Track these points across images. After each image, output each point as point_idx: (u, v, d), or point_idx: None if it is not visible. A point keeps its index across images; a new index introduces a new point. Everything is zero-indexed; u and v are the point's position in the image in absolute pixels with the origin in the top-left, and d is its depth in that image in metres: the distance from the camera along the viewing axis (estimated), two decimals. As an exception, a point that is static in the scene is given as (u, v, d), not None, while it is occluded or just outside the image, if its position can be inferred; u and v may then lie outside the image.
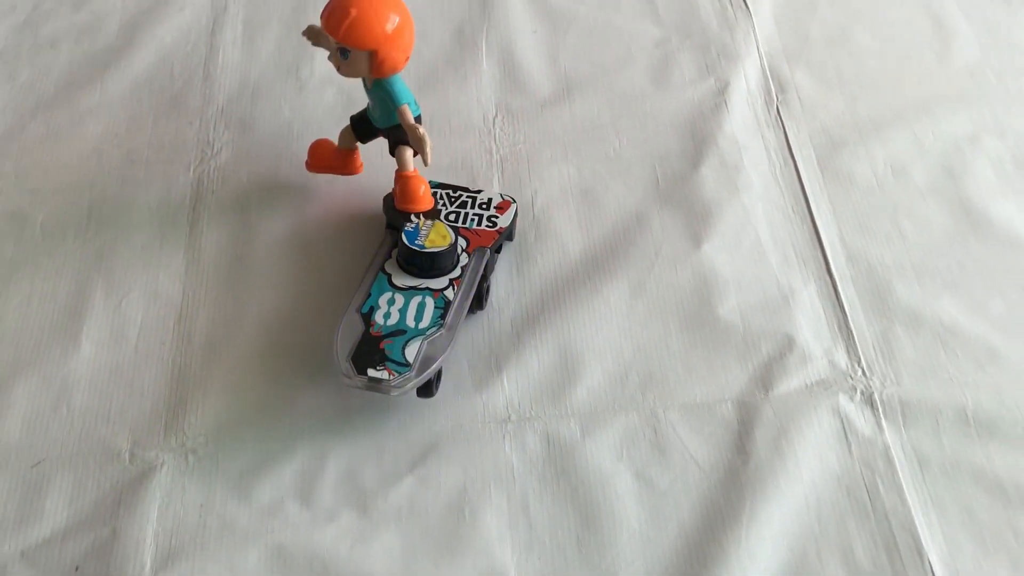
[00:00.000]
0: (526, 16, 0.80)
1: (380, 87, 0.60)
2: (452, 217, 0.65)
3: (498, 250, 0.65)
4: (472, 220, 0.64)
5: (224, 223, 0.66)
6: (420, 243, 0.61)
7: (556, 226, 0.66)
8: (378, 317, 0.58)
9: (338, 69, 0.59)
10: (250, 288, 0.63)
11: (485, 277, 0.62)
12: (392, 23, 0.57)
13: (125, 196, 0.68)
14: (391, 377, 0.55)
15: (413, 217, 0.62)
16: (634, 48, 0.78)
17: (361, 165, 0.67)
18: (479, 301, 0.62)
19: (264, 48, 0.77)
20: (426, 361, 0.56)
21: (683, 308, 0.62)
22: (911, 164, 0.69)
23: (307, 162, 0.67)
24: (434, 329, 0.58)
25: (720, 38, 0.78)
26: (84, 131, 0.72)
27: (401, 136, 0.62)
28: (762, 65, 0.76)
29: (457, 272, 0.61)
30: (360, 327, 0.58)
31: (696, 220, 0.66)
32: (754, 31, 0.78)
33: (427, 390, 0.57)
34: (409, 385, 0.56)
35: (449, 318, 0.59)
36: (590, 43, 0.78)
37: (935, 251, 0.65)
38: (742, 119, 0.72)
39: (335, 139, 0.66)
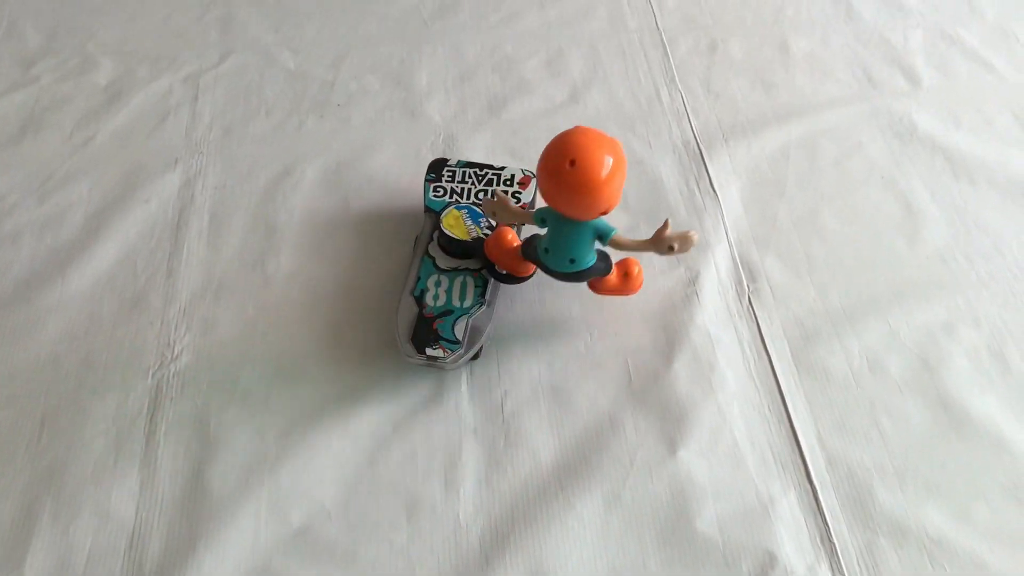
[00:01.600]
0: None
1: (582, 226, 0.61)
2: (480, 195, 0.72)
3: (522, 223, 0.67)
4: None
5: (182, 435, 0.64)
6: (449, 230, 0.67)
7: (527, 430, 0.65)
8: (428, 299, 0.65)
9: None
10: (207, 511, 0.60)
11: None
12: (607, 167, 0.56)
13: (81, 404, 0.66)
14: (445, 355, 0.63)
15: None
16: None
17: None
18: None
19: (230, 242, 0.76)
20: (473, 334, 0.64)
21: (660, 522, 0.60)
22: (887, 356, 0.68)
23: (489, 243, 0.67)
24: (477, 307, 0.65)
25: (689, 224, 0.77)
26: (42, 333, 0.70)
27: (587, 276, 0.64)
28: (732, 253, 0.75)
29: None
30: (414, 309, 0.65)
31: (671, 423, 0.65)
32: (722, 216, 0.78)
33: (475, 357, 0.66)
34: (461, 361, 0.64)
35: (488, 294, 0.66)
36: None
37: (915, 451, 0.63)
38: (714, 310, 0.71)
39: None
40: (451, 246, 0.68)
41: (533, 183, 0.70)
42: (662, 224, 0.59)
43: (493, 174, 0.73)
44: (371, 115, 0.88)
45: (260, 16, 0.99)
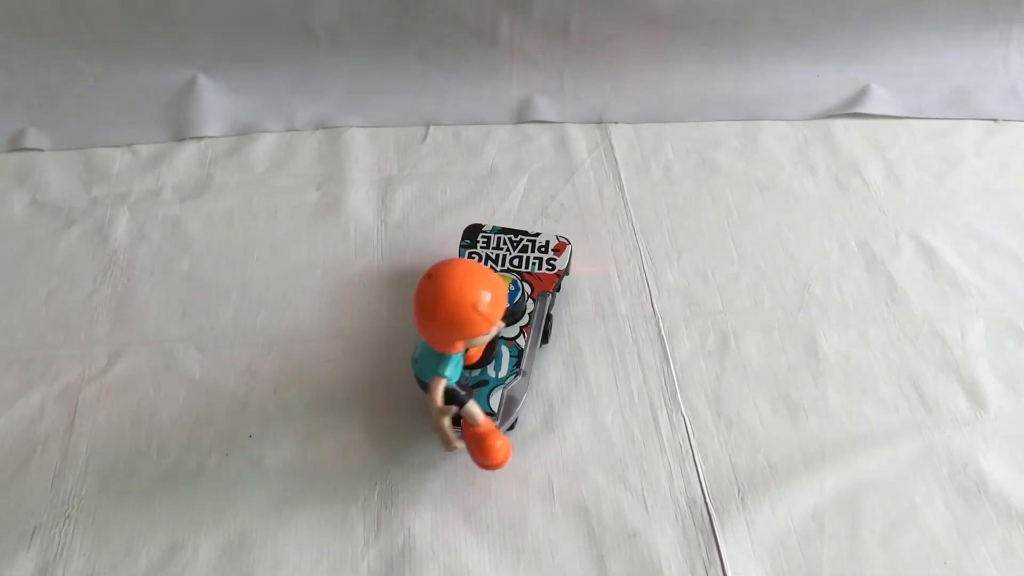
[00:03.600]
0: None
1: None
2: (516, 262, 0.74)
3: (557, 288, 0.73)
4: (533, 264, 0.74)
5: None
6: None
7: None
8: (466, 376, 0.66)
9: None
10: None
11: (548, 316, 0.72)
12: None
13: None
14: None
15: None
16: None
17: None
18: (544, 337, 0.72)
19: None
20: (509, 404, 0.65)
21: None
22: None
23: None
24: (512, 377, 0.67)
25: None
26: None
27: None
28: None
29: (525, 320, 0.69)
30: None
31: None
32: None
33: (511, 427, 0.67)
34: (510, 425, 0.65)
35: (523, 364, 0.67)
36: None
37: None
38: None
39: None
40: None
41: (568, 249, 0.74)
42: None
43: (528, 240, 0.75)
44: (287, 454, 0.69)
45: (164, 294, 0.80)
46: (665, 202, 0.88)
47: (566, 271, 0.74)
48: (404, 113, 0.96)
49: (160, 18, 0.92)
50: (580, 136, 0.95)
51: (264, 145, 0.93)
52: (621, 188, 0.89)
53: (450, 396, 0.61)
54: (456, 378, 0.62)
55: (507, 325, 0.67)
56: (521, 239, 0.75)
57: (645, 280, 0.81)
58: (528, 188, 0.89)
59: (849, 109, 0.96)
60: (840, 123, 0.96)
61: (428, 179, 0.90)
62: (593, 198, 0.89)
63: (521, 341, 0.68)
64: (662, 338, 0.77)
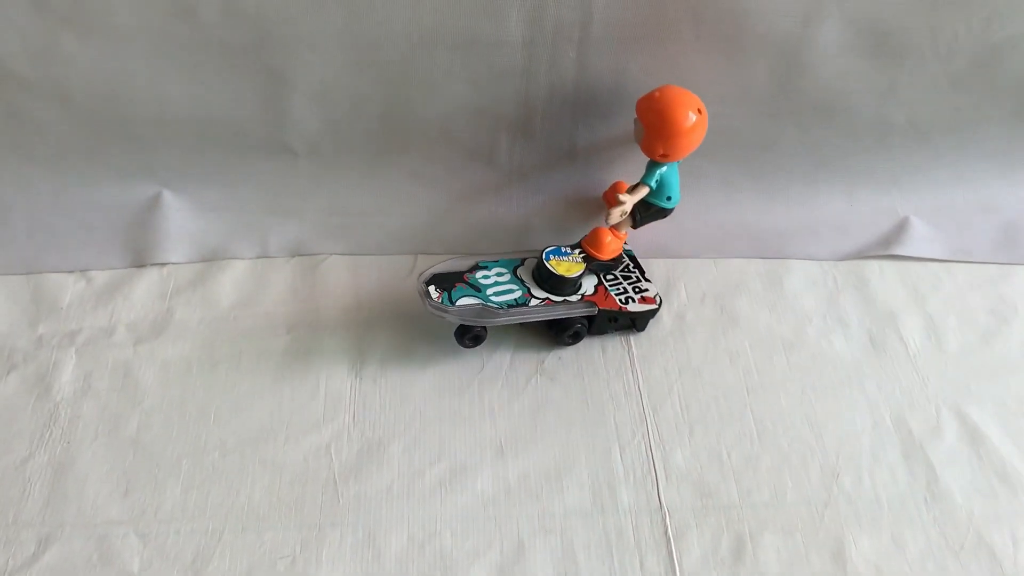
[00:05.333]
0: None
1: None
2: (610, 278, 0.80)
3: (613, 319, 0.78)
4: (618, 289, 0.79)
5: None
6: (550, 264, 0.76)
7: None
8: (478, 274, 0.76)
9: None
10: None
11: (579, 325, 0.77)
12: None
13: None
14: (436, 298, 0.73)
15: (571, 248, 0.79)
16: None
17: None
18: (575, 336, 0.78)
19: None
20: (468, 313, 0.73)
21: None
22: None
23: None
24: (495, 307, 0.74)
25: None
26: None
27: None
28: None
29: (558, 299, 0.76)
30: (465, 266, 0.77)
31: None
32: None
33: (461, 338, 0.76)
34: (442, 313, 0.73)
35: (511, 310, 0.74)
36: None
37: None
38: None
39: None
40: (554, 280, 0.76)
41: (651, 306, 0.79)
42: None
43: (638, 277, 0.81)
44: None
45: (107, 463, 0.71)
46: (676, 360, 0.78)
47: (639, 322, 0.79)
48: (390, 239, 0.86)
49: (122, 128, 0.83)
50: (583, 272, 0.85)
51: (233, 275, 0.84)
52: (627, 340, 0.80)
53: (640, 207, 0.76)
54: (661, 188, 0.76)
55: (547, 290, 0.76)
56: (635, 272, 0.81)
57: (651, 462, 0.72)
58: (521, 337, 0.80)
59: (886, 250, 0.86)
60: (875, 265, 0.86)
61: (411, 321, 0.81)
62: (595, 352, 0.79)
63: (533, 302, 0.75)
64: (668, 540, 0.67)
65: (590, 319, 0.77)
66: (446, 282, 0.74)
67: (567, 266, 0.76)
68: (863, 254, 0.87)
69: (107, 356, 0.78)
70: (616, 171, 0.87)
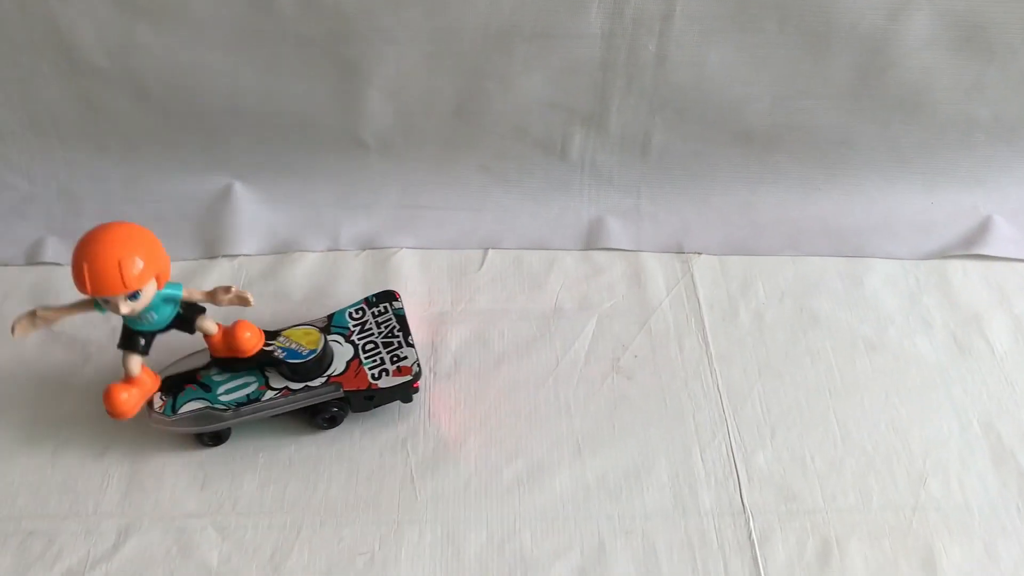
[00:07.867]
0: None
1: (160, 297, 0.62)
2: (369, 347, 0.70)
3: (370, 397, 0.69)
4: (374, 360, 0.70)
5: None
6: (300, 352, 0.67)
7: None
8: (214, 370, 0.68)
9: (130, 312, 0.59)
10: None
11: (334, 409, 0.69)
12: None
13: None
14: (158, 408, 0.66)
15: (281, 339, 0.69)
16: None
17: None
18: (331, 420, 0.70)
19: None
20: (197, 420, 0.66)
21: None
22: None
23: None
24: (223, 408, 0.66)
25: None
26: None
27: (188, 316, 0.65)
28: None
29: (298, 387, 0.67)
30: (203, 361, 0.68)
31: None
32: None
33: (201, 441, 0.69)
34: (163, 426, 0.67)
35: (240, 409, 0.66)
36: None
37: None
38: None
39: None
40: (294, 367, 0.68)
41: (405, 379, 0.69)
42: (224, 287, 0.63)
43: (399, 343, 0.71)
44: None
45: (182, 457, 0.71)
46: (756, 360, 0.77)
47: (396, 395, 0.70)
48: (461, 233, 0.85)
49: (194, 120, 0.83)
50: (658, 268, 0.84)
51: (304, 268, 0.84)
52: (705, 339, 0.78)
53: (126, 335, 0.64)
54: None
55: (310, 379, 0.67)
56: (397, 338, 0.71)
57: (733, 464, 0.70)
58: (597, 334, 0.79)
59: (968, 250, 0.84)
60: (958, 264, 0.84)
61: (484, 317, 0.80)
62: (672, 350, 0.78)
63: (269, 394, 0.67)
64: (752, 543, 0.66)
65: (344, 400, 0.69)
66: (175, 386, 0.67)
67: (305, 339, 0.69)
68: (945, 253, 0.85)
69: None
70: (691, 168, 0.86)
